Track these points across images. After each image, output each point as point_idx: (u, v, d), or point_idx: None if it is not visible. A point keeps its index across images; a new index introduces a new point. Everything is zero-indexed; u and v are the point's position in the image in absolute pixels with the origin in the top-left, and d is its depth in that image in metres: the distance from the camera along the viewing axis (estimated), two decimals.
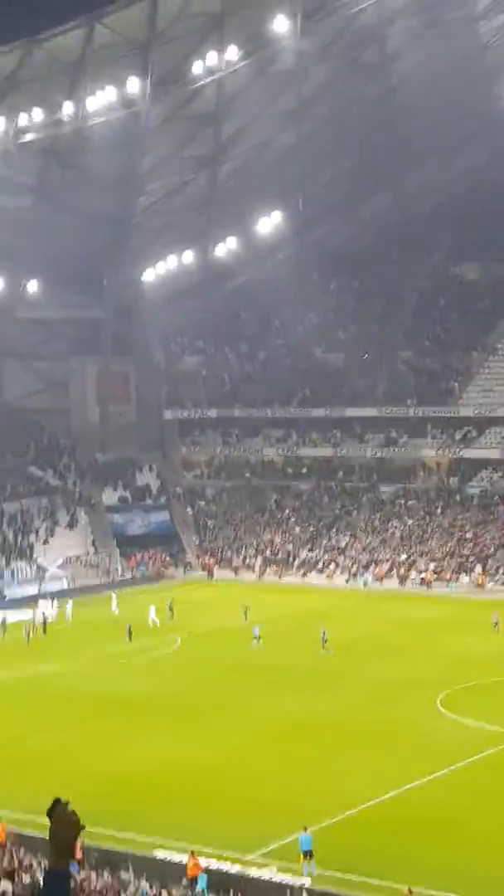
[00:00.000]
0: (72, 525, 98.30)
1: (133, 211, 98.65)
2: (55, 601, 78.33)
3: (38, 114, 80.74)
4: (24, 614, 75.82)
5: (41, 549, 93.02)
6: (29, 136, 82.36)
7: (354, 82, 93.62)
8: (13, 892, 30.49)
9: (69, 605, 77.60)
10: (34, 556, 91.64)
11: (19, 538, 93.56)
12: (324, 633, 65.27)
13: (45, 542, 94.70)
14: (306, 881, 34.37)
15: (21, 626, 72.34)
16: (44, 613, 74.92)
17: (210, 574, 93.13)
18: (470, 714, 51.30)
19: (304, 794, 41.95)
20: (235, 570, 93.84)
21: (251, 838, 37.76)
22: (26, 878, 31.56)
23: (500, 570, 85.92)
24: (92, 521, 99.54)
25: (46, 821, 9.29)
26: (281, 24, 78.27)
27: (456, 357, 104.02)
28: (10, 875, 31.73)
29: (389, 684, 57.39)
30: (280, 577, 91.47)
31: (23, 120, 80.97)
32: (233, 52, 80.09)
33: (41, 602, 77.69)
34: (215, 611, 77.12)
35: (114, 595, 79.89)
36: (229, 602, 78.42)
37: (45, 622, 73.69)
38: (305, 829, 36.39)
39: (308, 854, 35.54)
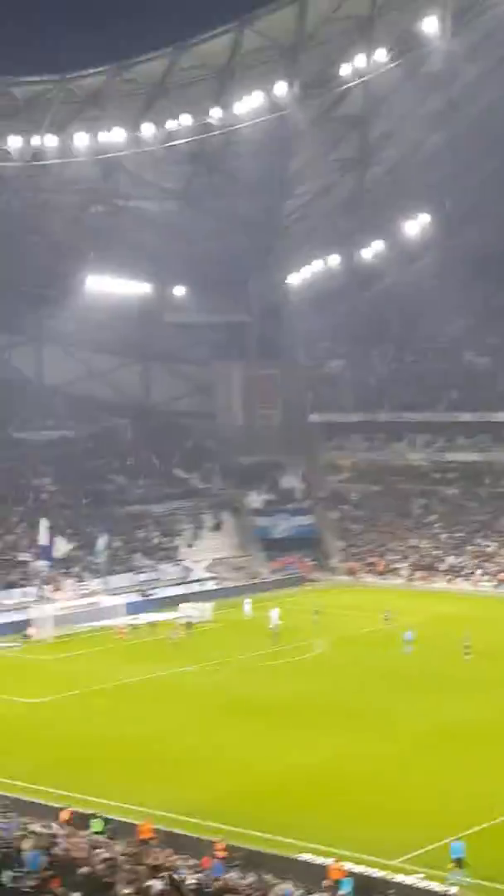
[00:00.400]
0: (217, 528, 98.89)
1: (279, 215, 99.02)
2: (203, 603, 78.87)
3: (186, 119, 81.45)
4: (169, 615, 76.69)
5: (187, 552, 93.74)
6: (177, 142, 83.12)
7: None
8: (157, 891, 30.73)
9: (208, 606, 78.30)
10: (180, 558, 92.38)
11: (165, 540, 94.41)
12: (467, 639, 64.67)
13: (191, 544, 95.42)
14: (453, 889, 33.98)
15: (168, 626, 73.10)
16: (189, 615, 75.59)
17: (353, 574, 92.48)
18: None
19: (449, 800, 41.55)
20: (380, 576, 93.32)
21: (396, 844, 37.46)
22: (173, 877, 31.75)
23: None
24: (237, 524, 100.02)
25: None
26: (430, 25, 77.58)
27: None
28: (156, 873, 31.96)
29: None
30: (426, 583, 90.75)
31: (171, 125, 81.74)
32: (381, 54, 79.54)
33: (186, 605, 78.27)
34: (359, 616, 76.71)
35: (247, 600, 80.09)
36: (373, 607, 78.04)
37: (190, 623, 74.35)
38: (459, 837, 35.80)
39: (459, 862, 35.06)
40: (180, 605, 78.25)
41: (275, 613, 73.11)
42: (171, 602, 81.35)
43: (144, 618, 76.61)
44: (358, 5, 78.99)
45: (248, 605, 78.84)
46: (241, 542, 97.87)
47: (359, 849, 36.62)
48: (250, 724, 52.68)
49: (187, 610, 76.66)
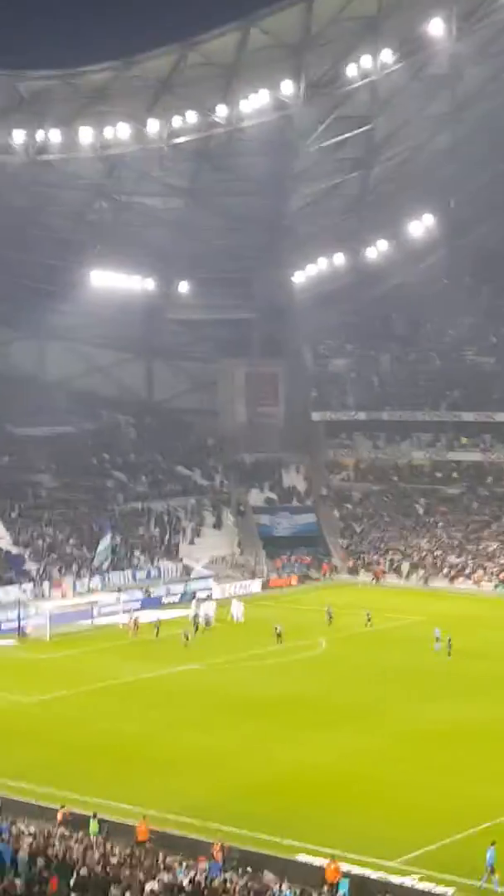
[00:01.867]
0: (218, 525, 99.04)
1: (284, 213, 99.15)
2: (211, 602, 79.05)
3: (191, 116, 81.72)
4: (171, 613, 76.99)
5: (187, 549, 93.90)
6: (182, 139, 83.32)
7: None
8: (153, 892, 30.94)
9: (236, 604, 78.12)
10: (180, 555, 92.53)
11: (166, 537, 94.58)
12: (443, 638, 64.98)
13: (192, 541, 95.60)
14: (449, 890, 34.19)
15: (173, 624, 73.21)
16: (207, 613, 75.59)
17: (377, 578, 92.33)
18: None
19: (449, 801, 41.72)
20: (382, 574, 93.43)
21: (395, 844, 37.64)
22: (167, 878, 31.98)
23: None
24: (238, 521, 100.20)
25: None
26: (436, 27, 77.71)
27: None
28: (152, 873, 32.20)
29: None
30: (427, 583, 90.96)
31: (176, 122, 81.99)
32: (387, 55, 79.70)
33: (203, 603, 78.31)
34: (359, 615, 76.85)
35: (237, 602, 79.21)
36: (374, 606, 78.19)
37: (207, 622, 74.46)
38: (493, 843, 35.32)
39: (491, 869, 34.96)
40: (193, 603, 78.32)
41: (237, 608, 74.90)
42: (183, 600, 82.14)
43: (153, 615, 76.56)
44: (364, 6, 79.02)
45: (237, 606, 78.30)
46: (243, 540, 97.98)
47: (357, 849, 36.81)
48: (248, 723, 52.85)
49: (206, 609, 76.53)
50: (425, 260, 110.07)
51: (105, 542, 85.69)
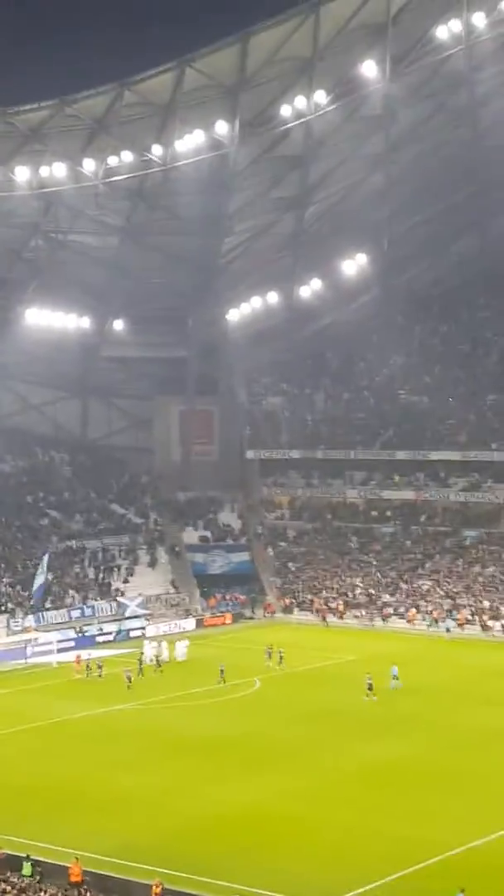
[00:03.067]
0: (152, 564, 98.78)
1: (219, 251, 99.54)
2: (162, 642, 78.23)
3: (127, 156, 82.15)
4: (108, 652, 76.77)
5: (122, 588, 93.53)
6: (118, 178, 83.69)
7: (443, 126, 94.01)
8: None
9: (181, 644, 77.66)
10: (114, 594, 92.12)
11: (100, 576, 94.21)
12: (369, 679, 64.91)
13: (126, 580, 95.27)
14: None
15: (110, 663, 72.86)
16: (158, 655, 74.98)
17: (324, 618, 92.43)
18: None
19: (381, 841, 41.76)
20: (316, 613, 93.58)
21: (329, 886, 37.60)
22: None
23: None
24: (172, 559, 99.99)
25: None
26: (370, 69, 78.84)
27: None
28: None
29: (476, 730, 57.04)
30: (360, 622, 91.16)
31: (112, 161, 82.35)
32: (321, 96, 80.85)
33: (149, 643, 77.79)
34: (295, 653, 76.89)
35: (183, 642, 78.67)
36: (309, 644, 78.32)
37: (158, 663, 73.95)
38: (462, 891, 34.59)
39: None
40: (145, 642, 77.94)
41: (181, 647, 75.46)
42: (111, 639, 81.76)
43: (96, 654, 76.43)
44: (299, 47, 79.96)
45: (181, 646, 77.97)
46: (177, 579, 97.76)
47: (292, 891, 36.75)
48: (182, 763, 52.68)
49: (150, 647, 76.08)
50: (358, 299, 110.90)
51: (41, 571, 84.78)
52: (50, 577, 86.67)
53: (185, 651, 77.05)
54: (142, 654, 74.43)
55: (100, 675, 71.29)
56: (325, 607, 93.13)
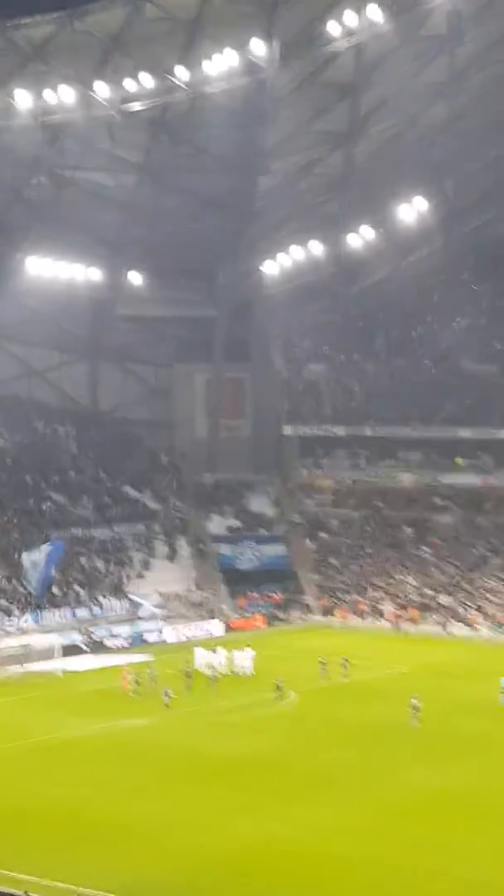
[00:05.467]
0: (171, 556, 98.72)
1: (253, 194, 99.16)
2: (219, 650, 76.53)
3: (146, 79, 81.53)
4: (117, 660, 76.86)
5: (135, 584, 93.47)
6: (136, 105, 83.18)
7: None
8: None
9: (244, 656, 75.85)
10: (127, 590, 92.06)
11: (110, 569, 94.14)
12: (414, 702, 63.97)
13: (140, 575, 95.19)
14: None
15: (118, 671, 72.68)
16: (211, 665, 73.56)
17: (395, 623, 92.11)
18: None
19: (441, 883, 41.32)
20: (362, 616, 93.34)
21: None
22: None
23: None
24: (195, 552, 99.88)
25: None
26: None
27: None
28: None
29: None
30: (415, 625, 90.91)
31: (129, 86, 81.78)
32: (375, 12, 79.83)
33: (200, 650, 76.65)
34: (337, 663, 76.62)
35: (197, 650, 77.24)
36: (355, 654, 78.01)
37: (214, 676, 72.32)
38: None
39: None
40: (196, 650, 76.78)
41: (243, 657, 74.04)
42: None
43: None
44: None
45: (245, 657, 75.55)
46: (200, 575, 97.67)
47: None
48: (205, 789, 52.35)
49: (203, 655, 74.98)
50: (417, 251, 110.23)
51: (41, 561, 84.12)
52: (54, 572, 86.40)
53: (251, 664, 74.91)
54: (191, 663, 73.14)
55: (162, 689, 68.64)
56: (395, 612, 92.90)
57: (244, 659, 75.41)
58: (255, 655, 75.89)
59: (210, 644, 79.87)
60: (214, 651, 75.46)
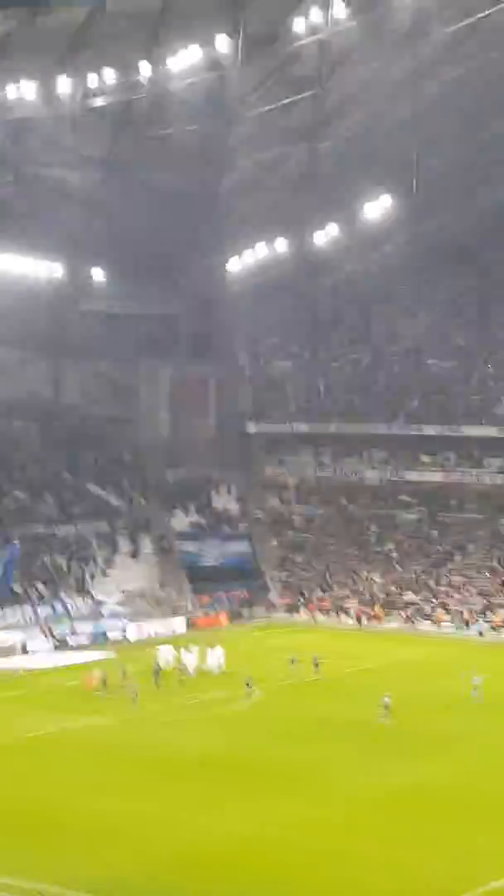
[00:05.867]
0: (135, 554, 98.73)
1: (218, 190, 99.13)
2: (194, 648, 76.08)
3: (109, 75, 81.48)
4: (79, 657, 76.72)
5: (99, 581, 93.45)
6: (99, 101, 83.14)
7: (483, 46, 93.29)
8: None
9: (215, 654, 75.47)
10: (90, 588, 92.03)
11: (73, 567, 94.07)
12: (386, 700, 64.19)
13: (103, 572, 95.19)
14: None
15: (80, 669, 72.60)
16: (184, 663, 73.44)
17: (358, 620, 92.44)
18: None
19: (410, 876, 41.55)
20: (327, 614, 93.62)
21: None
22: None
23: None
24: (158, 550, 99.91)
25: None
26: None
27: None
28: None
29: None
30: (380, 623, 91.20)
31: (92, 82, 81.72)
32: (340, 9, 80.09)
33: (162, 648, 76.39)
34: (303, 660, 76.89)
35: (161, 648, 76.75)
36: (320, 651, 78.20)
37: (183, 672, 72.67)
38: None
39: None
40: (159, 648, 76.33)
41: (214, 655, 73.98)
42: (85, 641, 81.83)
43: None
44: None
45: (215, 655, 75.33)
46: (164, 572, 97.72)
47: None
48: (175, 787, 52.43)
49: (166, 652, 74.73)
50: (381, 248, 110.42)
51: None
52: (14, 574, 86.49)
53: (221, 662, 74.55)
54: (157, 662, 72.95)
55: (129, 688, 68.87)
56: (360, 609, 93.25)
57: (216, 657, 75.21)
58: (224, 653, 75.99)
59: (173, 641, 79.80)
60: (189, 649, 75.08)
